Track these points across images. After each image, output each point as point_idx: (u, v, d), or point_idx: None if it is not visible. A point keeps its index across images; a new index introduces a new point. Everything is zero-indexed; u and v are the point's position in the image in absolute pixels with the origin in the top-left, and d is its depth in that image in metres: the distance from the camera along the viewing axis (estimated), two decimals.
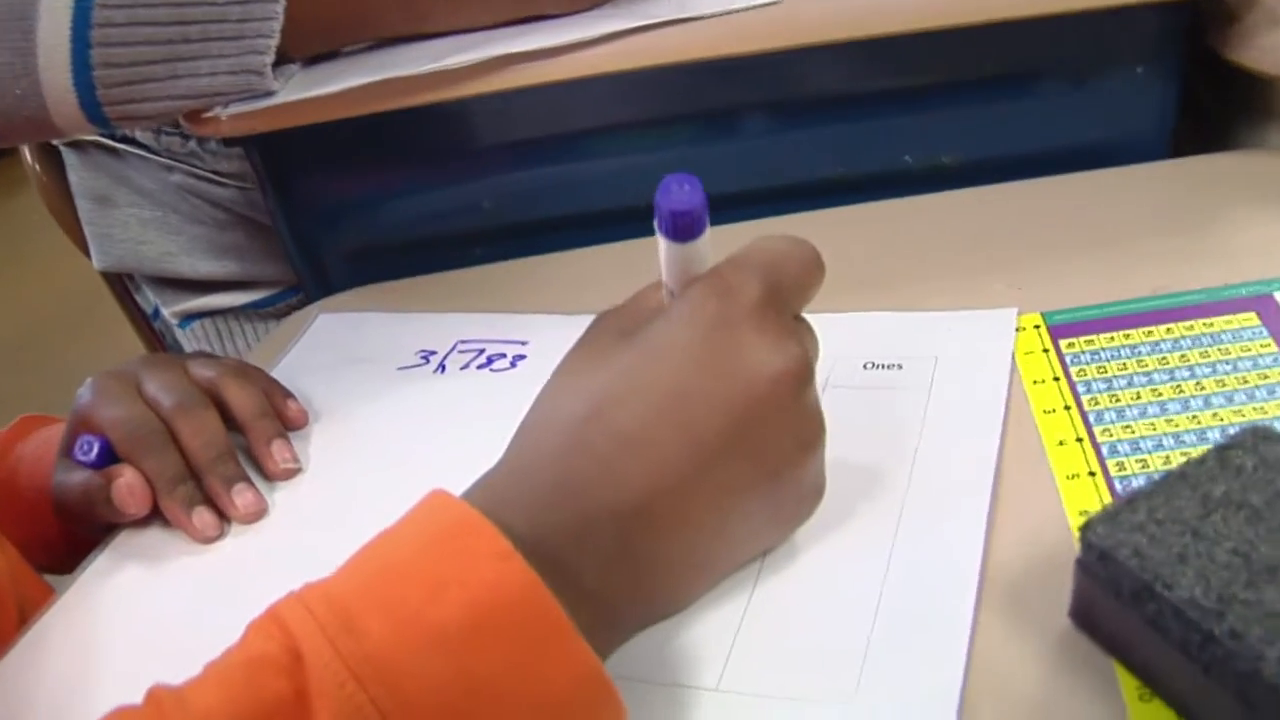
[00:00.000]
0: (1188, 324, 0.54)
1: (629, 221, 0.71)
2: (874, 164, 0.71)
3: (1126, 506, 0.38)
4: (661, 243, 0.42)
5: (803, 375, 0.42)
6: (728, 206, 0.70)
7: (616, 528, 0.39)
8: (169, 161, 0.88)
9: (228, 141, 0.80)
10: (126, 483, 0.54)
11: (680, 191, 0.40)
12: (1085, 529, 0.38)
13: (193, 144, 0.86)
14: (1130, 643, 0.38)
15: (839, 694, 0.40)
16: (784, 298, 0.43)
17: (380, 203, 0.73)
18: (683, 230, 0.41)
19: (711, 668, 0.42)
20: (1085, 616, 0.40)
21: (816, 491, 0.45)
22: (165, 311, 0.97)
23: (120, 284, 1.04)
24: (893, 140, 0.70)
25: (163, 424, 0.56)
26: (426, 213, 0.73)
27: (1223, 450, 0.40)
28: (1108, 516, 0.38)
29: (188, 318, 0.96)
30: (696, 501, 0.40)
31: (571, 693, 0.35)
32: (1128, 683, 0.38)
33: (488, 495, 0.40)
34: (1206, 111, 0.73)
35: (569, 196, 0.72)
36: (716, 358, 0.41)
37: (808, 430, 0.43)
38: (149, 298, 1.00)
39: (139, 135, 0.87)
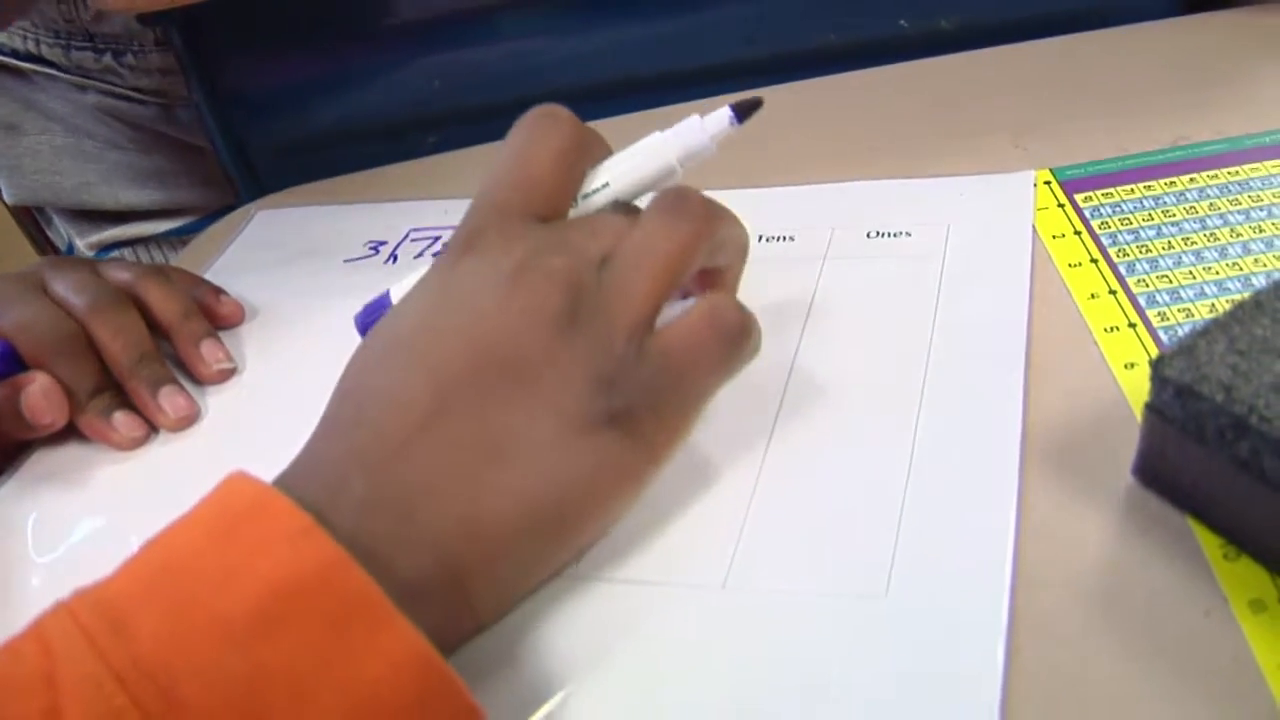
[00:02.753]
0: (1211, 173, 0.50)
1: (598, 100, 0.66)
2: (867, 30, 0.66)
3: (1202, 337, 0.33)
4: None
5: (551, 296, 0.35)
6: (710, 80, 0.65)
7: (362, 468, 0.33)
8: (81, 80, 0.80)
9: (143, 20, 0.72)
10: (41, 388, 0.47)
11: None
12: (1158, 365, 0.33)
13: (107, 58, 0.78)
14: (1212, 494, 0.33)
15: (868, 587, 0.34)
16: (499, 202, 0.38)
17: (319, 87, 0.67)
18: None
19: (716, 565, 0.36)
20: (1154, 470, 0.35)
21: (633, 431, 0.35)
22: (80, 244, 0.90)
23: (31, 219, 0.96)
24: (886, 3, 0.65)
25: (78, 326, 0.49)
26: (370, 96, 0.67)
27: None
28: (1183, 350, 0.33)
29: (104, 249, 0.88)
30: (452, 426, 0.33)
31: (393, 681, 0.28)
32: (1209, 541, 0.34)
33: (290, 469, 0.34)
34: None
35: (531, 75, 0.67)
36: (446, 288, 0.36)
37: (577, 336, 0.35)
38: (62, 232, 0.93)
39: (46, 52, 0.79)
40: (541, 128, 0.39)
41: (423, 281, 0.37)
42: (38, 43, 0.78)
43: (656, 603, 0.35)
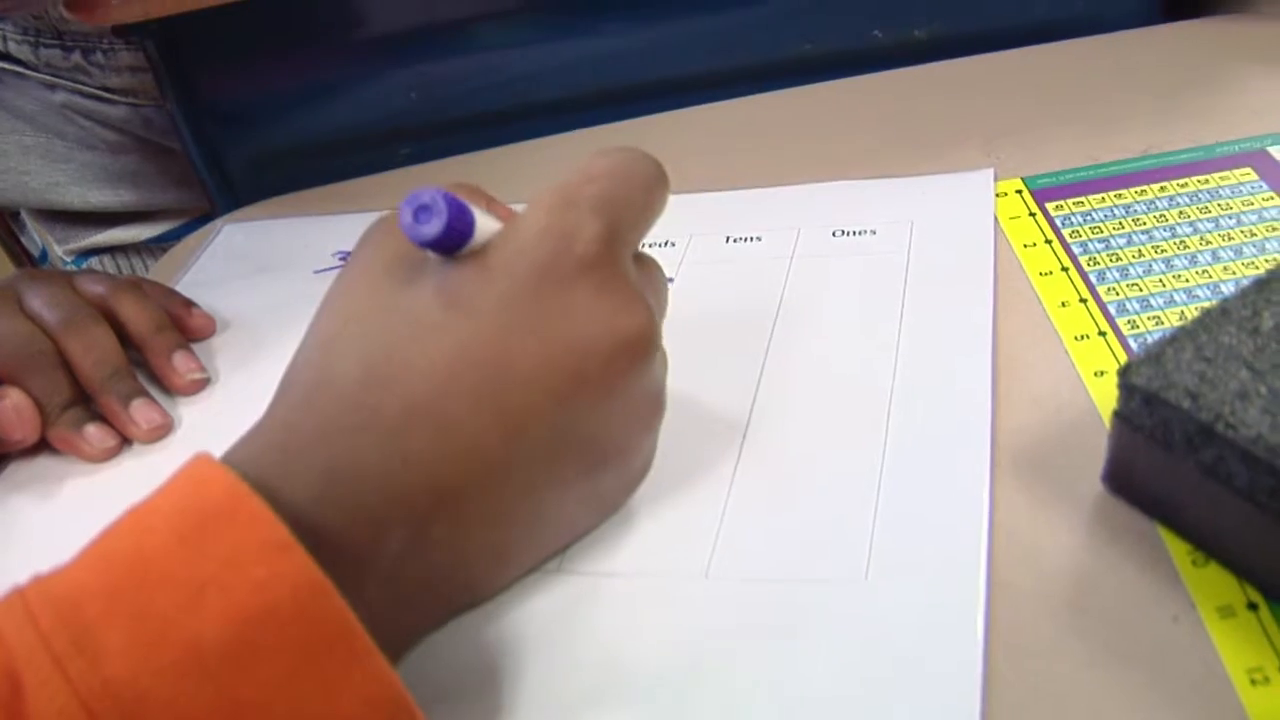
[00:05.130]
0: (1181, 181, 0.50)
1: (574, 111, 0.66)
2: (841, 40, 0.66)
3: (1170, 345, 0.33)
4: None
5: (648, 344, 0.34)
6: (686, 90, 0.66)
7: (408, 516, 0.31)
8: (50, 78, 0.79)
9: (118, 31, 0.72)
10: (13, 404, 0.47)
11: (415, 227, 0.32)
12: (1125, 373, 0.33)
13: (76, 56, 0.78)
14: (1180, 501, 0.33)
15: (849, 574, 0.35)
16: (625, 238, 0.35)
17: (295, 98, 0.67)
18: (448, 249, 0.34)
19: (698, 555, 0.37)
20: (1123, 478, 0.35)
21: (644, 472, 0.39)
22: (59, 250, 0.89)
23: (4, 225, 0.95)
24: (861, 13, 0.66)
25: (50, 342, 0.49)
26: (346, 107, 0.67)
27: (1263, 284, 0.35)
28: (1150, 358, 0.33)
29: (82, 255, 0.88)
30: (506, 493, 0.33)
31: (362, 718, 0.27)
32: (1177, 548, 0.34)
33: (262, 463, 0.31)
34: None
35: (505, 86, 0.67)
36: (539, 321, 0.33)
37: (646, 410, 0.36)
38: (36, 238, 0.92)
39: (13, 49, 0.79)
40: (647, 162, 0.37)
41: (511, 271, 0.33)
42: (4, 40, 0.77)
43: (640, 594, 0.36)
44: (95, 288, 0.52)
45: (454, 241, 0.33)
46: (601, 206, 0.34)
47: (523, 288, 0.33)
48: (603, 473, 0.36)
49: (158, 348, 0.51)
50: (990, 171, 0.53)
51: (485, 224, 0.34)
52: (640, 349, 0.34)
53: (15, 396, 0.47)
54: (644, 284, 0.36)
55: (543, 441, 0.33)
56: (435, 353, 0.32)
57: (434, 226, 0.32)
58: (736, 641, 0.34)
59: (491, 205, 0.38)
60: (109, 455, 0.48)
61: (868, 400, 0.41)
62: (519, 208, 0.36)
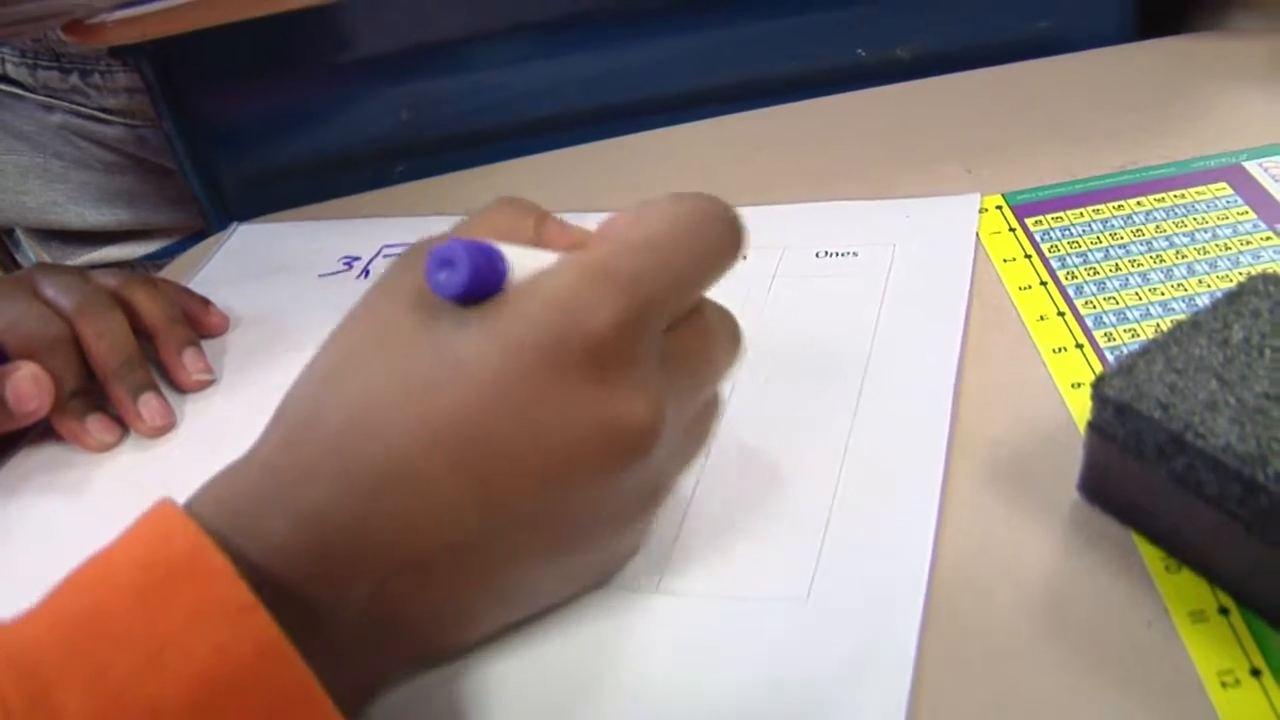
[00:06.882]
0: (1158, 196, 0.52)
1: (564, 130, 0.67)
2: (825, 59, 0.68)
3: (1141, 357, 0.34)
4: None
5: (644, 443, 0.31)
6: (674, 108, 0.67)
7: (372, 570, 0.30)
8: (48, 100, 0.80)
9: (114, 53, 0.73)
10: (30, 373, 0.47)
11: (441, 282, 0.30)
12: (1098, 385, 0.34)
13: (74, 78, 0.79)
14: (1153, 509, 0.34)
15: (791, 594, 0.36)
16: (650, 321, 0.31)
17: (289, 118, 0.68)
18: (480, 297, 0.31)
19: (651, 569, 0.38)
20: (1097, 487, 0.36)
21: (633, 552, 0.38)
22: None
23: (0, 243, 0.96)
24: (844, 33, 0.67)
25: (65, 326, 0.49)
26: (340, 126, 0.68)
27: (1234, 297, 0.36)
28: (1122, 369, 0.34)
29: None
30: (477, 561, 0.31)
31: None
32: (1151, 555, 0.35)
33: (228, 513, 0.30)
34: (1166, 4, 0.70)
35: (497, 105, 0.68)
36: (534, 402, 0.30)
37: (638, 503, 0.34)
38: (31, 256, 0.93)
39: (11, 71, 0.80)
40: (712, 222, 0.34)
41: (510, 343, 0.30)
42: (2, 62, 0.78)
43: (592, 606, 0.37)
44: (109, 280, 0.53)
45: (482, 295, 0.31)
46: (633, 286, 0.31)
47: (523, 366, 0.30)
48: (586, 554, 0.35)
49: (169, 341, 0.52)
50: (976, 196, 0.54)
51: (528, 261, 0.32)
52: (635, 448, 0.31)
53: (31, 367, 0.47)
54: (671, 366, 0.33)
55: (522, 520, 0.31)
56: (424, 413, 0.30)
57: (456, 284, 0.30)
58: (680, 655, 0.35)
59: (542, 224, 0.35)
60: (106, 449, 0.49)
61: (831, 419, 0.42)
62: (574, 219, 0.35)
